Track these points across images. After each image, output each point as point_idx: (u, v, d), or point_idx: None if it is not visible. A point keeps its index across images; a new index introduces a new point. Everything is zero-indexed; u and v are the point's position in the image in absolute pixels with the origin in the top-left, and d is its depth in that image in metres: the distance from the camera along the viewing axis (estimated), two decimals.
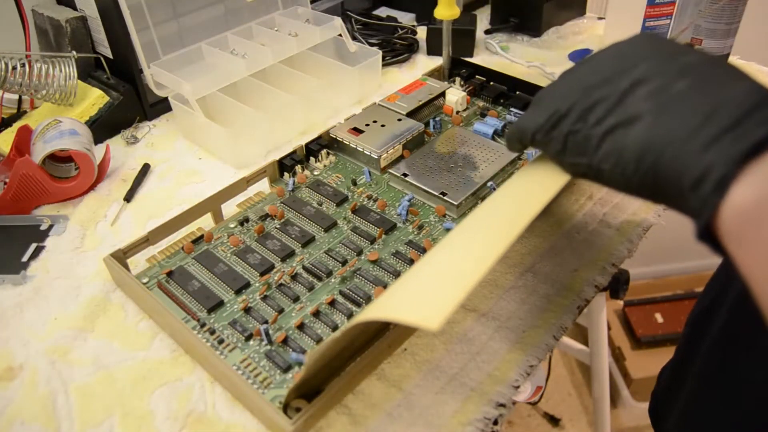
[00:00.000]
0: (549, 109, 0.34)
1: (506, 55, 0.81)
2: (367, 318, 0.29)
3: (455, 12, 0.63)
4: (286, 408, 0.37)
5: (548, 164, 0.37)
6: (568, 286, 0.47)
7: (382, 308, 0.28)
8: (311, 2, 0.79)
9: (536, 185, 0.36)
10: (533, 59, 0.79)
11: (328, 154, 0.59)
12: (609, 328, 1.25)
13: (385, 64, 0.78)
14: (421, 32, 0.84)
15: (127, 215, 0.57)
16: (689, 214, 0.28)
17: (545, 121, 0.34)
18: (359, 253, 0.49)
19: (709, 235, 0.26)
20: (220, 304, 0.45)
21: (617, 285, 0.94)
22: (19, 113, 0.69)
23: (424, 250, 0.48)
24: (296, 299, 0.45)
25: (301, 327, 0.43)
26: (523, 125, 0.36)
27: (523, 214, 0.32)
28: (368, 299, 0.45)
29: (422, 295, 0.29)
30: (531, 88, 0.65)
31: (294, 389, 0.36)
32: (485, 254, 0.30)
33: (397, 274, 0.47)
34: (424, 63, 0.80)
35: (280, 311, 0.44)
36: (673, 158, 0.27)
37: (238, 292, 0.46)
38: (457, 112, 0.65)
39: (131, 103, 0.68)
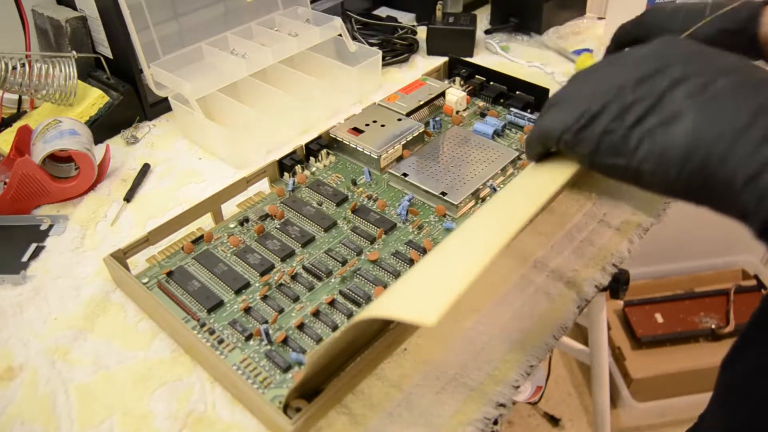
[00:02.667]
0: (578, 109, 0.32)
1: (506, 55, 0.81)
2: (366, 317, 0.28)
3: None
4: (286, 408, 0.37)
5: (547, 167, 0.36)
6: (568, 286, 0.47)
7: (381, 306, 0.28)
8: (311, 2, 0.79)
9: (535, 186, 0.35)
10: (533, 59, 0.79)
11: (328, 154, 0.59)
12: (609, 328, 1.25)
13: (385, 64, 0.78)
14: (421, 32, 0.84)
15: (127, 215, 0.57)
16: (740, 214, 0.27)
17: (575, 121, 0.32)
18: (359, 253, 0.49)
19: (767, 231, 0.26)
20: (220, 304, 0.45)
21: (617, 285, 0.94)
22: (19, 113, 0.69)
23: (424, 250, 0.48)
24: (296, 299, 0.45)
25: (301, 327, 0.43)
26: (548, 126, 0.34)
27: (523, 212, 0.32)
28: (368, 299, 0.45)
29: (420, 292, 0.29)
30: (531, 88, 0.65)
31: (294, 390, 0.36)
32: (483, 250, 0.29)
33: (397, 274, 0.47)
34: (424, 63, 0.80)
35: (280, 311, 0.44)
36: (722, 156, 0.27)
37: (238, 292, 0.46)
38: (457, 112, 0.65)
39: (131, 103, 0.68)
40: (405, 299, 0.28)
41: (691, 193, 0.29)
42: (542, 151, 0.37)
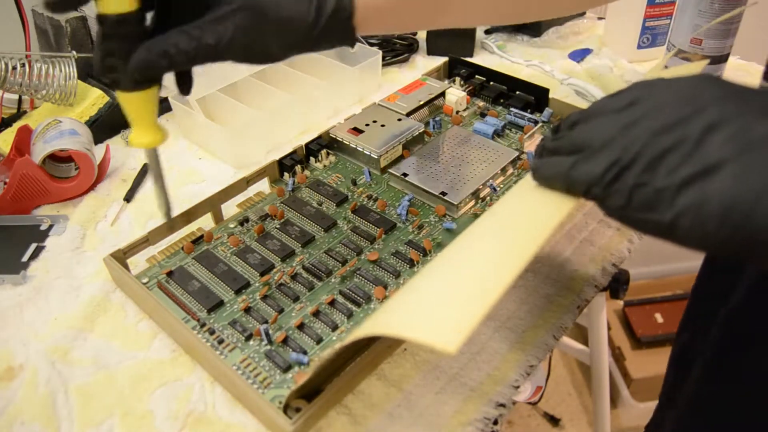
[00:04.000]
0: (607, 158, 0.29)
1: (503, 53, 0.81)
2: (378, 332, 0.28)
3: (157, 137, 0.40)
4: (286, 408, 0.37)
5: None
6: (568, 286, 0.47)
7: (396, 324, 0.27)
8: None
9: (549, 196, 0.34)
10: (533, 59, 0.79)
11: (328, 154, 0.59)
12: (609, 328, 1.25)
13: (385, 64, 0.78)
14: (421, 32, 0.84)
15: (127, 215, 0.57)
16: None
17: (604, 173, 0.29)
18: (359, 252, 0.49)
19: None
20: (220, 304, 0.45)
21: (617, 285, 0.94)
22: (19, 113, 0.69)
23: (423, 250, 0.48)
24: (296, 299, 0.45)
25: (301, 327, 0.43)
26: (573, 176, 0.31)
27: (541, 228, 0.31)
28: (368, 299, 0.45)
29: (437, 313, 0.28)
30: (531, 88, 0.65)
31: (295, 392, 0.36)
32: (502, 272, 0.28)
33: (397, 274, 0.47)
34: (424, 63, 0.80)
35: (280, 311, 0.44)
36: (766, 216, 0.25)
37: (238, 292, 0.46)
38: (457, 112, 0.65)
39: None
40: (422, 319, 0.27)
41: (732, 249, 0.27)
42: (562, 192, 0.34)
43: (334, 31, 0.38)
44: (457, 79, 0.70)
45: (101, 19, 0.34)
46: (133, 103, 0.37)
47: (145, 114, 0.39)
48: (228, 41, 0.35)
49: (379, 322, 0.29)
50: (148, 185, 0.61)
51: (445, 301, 0.29)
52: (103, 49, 0.35)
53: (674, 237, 0.28)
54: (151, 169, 0.44)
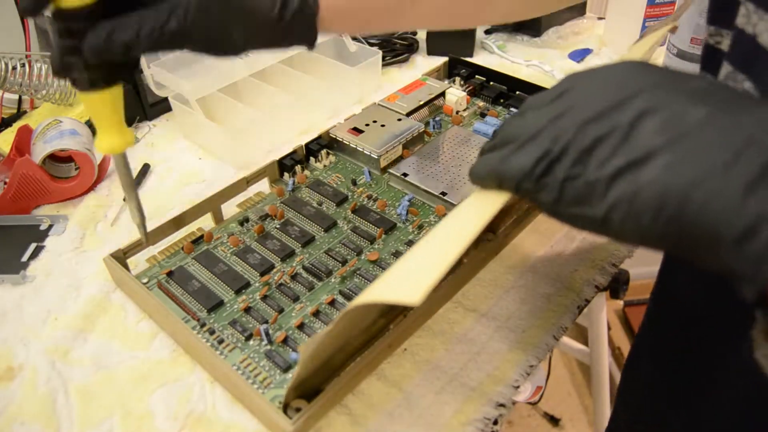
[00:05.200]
0: (536, 151, 0.28)
1: (503, 53, 0.81)
2: (354, 304, 0.29)
3: (122, 141, 0.38)
4: (286, 408, 0.37)
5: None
6: (568, 286, 0.47)
7: (368, 293, 0.28)
8: None
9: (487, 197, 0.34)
10: (533, 60, 0.79)
11: (328, 154, 0.59)
12: (609, 328, 1.25)
13: (385, 64, 0.78)
14: (421, 32, 0.84)
15: (127, 215, 0.57)
16: (729, 274, 0.23)
17: (533, 166, 0.28)
18: (359, 253, 0.49)
19: (763, 298, 0.22)
20: (220, 304, 0.45)
21: (617, 285, 0.94)
22: (19, 113, 0.69)
23: None
24: (296, 299, 0.45)
25: (301, 327, 0.43)
26: (503, 170, 0.30)
27: (492, 204, 0.31)
28: None
29: (403, 274, 0.29)
30: (531, 88, 0.65)
31: (292, 388, 0.36)
32: (465, 229, 0.29)
33: None
34: (423, 63, 0.80)
35: (280, 311, 0.44)
36: (703, 204, 0.23)
37: (238, 292, 0.46)
38: (457, 112, 0.65)
39: (131, 103, 0.68)
40: (389, 284, 0.28)
41: (669, 244, 0.25)
42: (495, 189, 0.32)
43: (297, 28, 0.38)
44: (457, 79, 0.70)
45: (57, 14, 0.32)
46: (94, 104, 0.36)
47: (107, 116, 0.37)
48: (189, 26, 0.34)
49: (356, 299, 0.30)
50: (148, 185, 0.61)
51: (411, 266, 0.30)
52: (60, 47, 0.34)
53: (609, 232, 0.27)
54: (120, 176, 0.41)
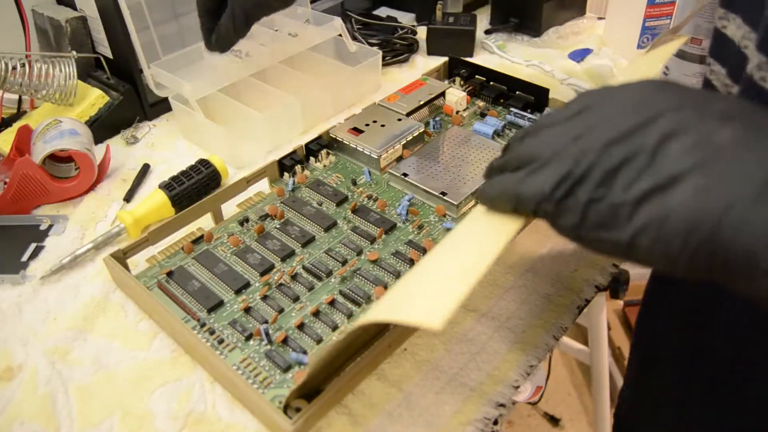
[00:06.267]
0: (556, 172, 0.27)
1: (503, 53, 0.81)
2: (369, 320, 0.28)
3: None
4: (286, 408, 0.37)
5: None
6: (568, 286, 0.47)
7: (384, 310, 0.28)
8: (311, 2, 0.79)
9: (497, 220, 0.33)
10: (533, 60, 0.79)
11: (328, 154, 0.59)
12: (609, 328, 1.25)
13: (385, 64, 0.78)
14: (421, 32, 0.84)
15: None
16: (765, 302, 0.23)
17: (554, 188, 0.27)
18: (359, 253, 0.49)
19: None
20: (220, 304, 0.45)
21: (617, 285, 0.94)
22: (19, 113, 0.69)
23: (424, 250, 0.48)
24: (296, 299, 0.45)
25: (301, 327, 0.43)
26: (520, 192, 0.29)
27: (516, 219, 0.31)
28: (368, 299, 0.45)
29: (423, 295, 0.29)
30: (531, 88, 0.65)
31: (295, 391, 0.36)
32: (485, 251, 0.29)
33: (397, 274, 0.47)
34: (424, 63, 0.80)
35: (280, 311, 0.44)
36: (735, 230, 0.22)
37: (238, 292, 0.46)
38: (457, 112, 0.65)
39: (131, 103, 0.68)
40: (408, 302, 0.28)
41: (700, 270, 0.24)
42: (511, 213, 0.31)
43: None
44: (457, 79, 0.70)
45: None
46: None
47: None
48: None
49: (370, 312, 0.29)
50: (148, 185, 0.61)
51: (431, 283, 0.29)
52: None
53: (635, 257, 0.26)
54: None
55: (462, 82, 0.69)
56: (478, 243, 0.30)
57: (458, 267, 0.29)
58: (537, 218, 0.29)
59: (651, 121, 0.25)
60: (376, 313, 0.28)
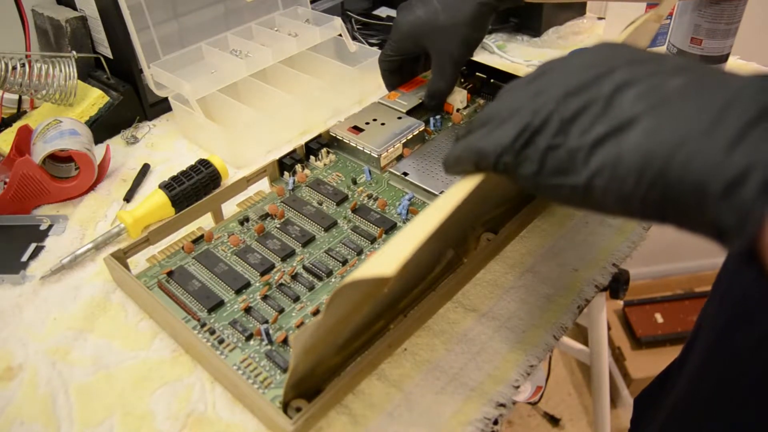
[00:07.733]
0: (516, 125, 0.29)
1: (504, 54, 0.81)
2: (336, 289, 0.29)
3: None
4: (286, 408, 0.37)
5: None
6: (568, 286, 0.47)
7: (348, 277, 0.29)
8: (311, 2, 0.79)
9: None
10: (533, 60, 0.79)
11: (328, 152, 0.59)
12: (609, 328, 1.25)
13: None
14: None
15: None
16: (716, 232, 0.23)
17: (514, 139, 0.29)
18: (359, 252, 0.49)
19: (752, 253, 0.22)
20: (221, 303, 0.45)
21: (617, 285, 0.94)
22: (19, 113, 0.69)
23: None
24: (297, 299, 0.45)
25: (301, 327, 0.43)
26: (482, 146, 0.30)
27: (462, 189, 0.32)
28: None
29: (381, 253, 0.29)
30: None
31: (290, 384, 0.36)
32: (441, 205, 0.30)
33: None
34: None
35: (281, 311, 0.44)
36: (686, 162, 0.23)
37: (238, 291, 0.46)
38: (458, 110, 0.65)
39: (131, 103, 0.68)
40: (368, 264, 0.29)
41: (653, 208, 0.25)
42: (472, 172, 0.32)
43: None
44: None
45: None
46: None
47: None
48: None
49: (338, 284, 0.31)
50: (148, 185, 0.61)
51: (389, 246, 0.30)
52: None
53: (591, 201, 0.27)
54: None
55: (462, 80, 0.69)
56: (435, 203, 0.31)
57: (414, 223, 0.30)
58: (497, 172, 0.30)
59: (606, 74, 0.27)
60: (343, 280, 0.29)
